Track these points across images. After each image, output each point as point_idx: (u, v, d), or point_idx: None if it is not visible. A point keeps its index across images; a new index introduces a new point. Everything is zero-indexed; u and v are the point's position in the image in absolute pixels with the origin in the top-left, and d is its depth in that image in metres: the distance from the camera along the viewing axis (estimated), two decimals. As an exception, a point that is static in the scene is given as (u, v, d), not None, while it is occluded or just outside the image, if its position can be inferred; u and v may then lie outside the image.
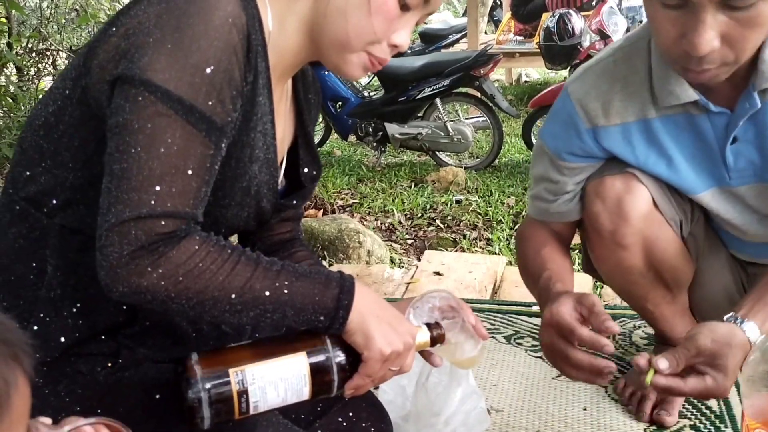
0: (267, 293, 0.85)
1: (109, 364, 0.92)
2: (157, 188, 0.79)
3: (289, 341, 0.92)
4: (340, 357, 0.91)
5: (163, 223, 0.80)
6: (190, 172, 0.81)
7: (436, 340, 1.01)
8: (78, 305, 0.91)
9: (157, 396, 0.91)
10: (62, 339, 0.91)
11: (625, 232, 1.31)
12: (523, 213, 3.62)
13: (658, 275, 1.37)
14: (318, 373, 0.90)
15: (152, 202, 0.79)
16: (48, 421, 0.70)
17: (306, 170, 1.10)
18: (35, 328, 0.91)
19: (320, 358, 0.90)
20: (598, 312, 1.07)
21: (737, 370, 1.04)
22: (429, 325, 1.01)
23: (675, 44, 1.06)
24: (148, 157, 0.79)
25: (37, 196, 0.92)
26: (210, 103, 0.82)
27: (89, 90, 0.86)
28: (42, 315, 0.91)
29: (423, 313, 1.05)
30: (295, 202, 1.09)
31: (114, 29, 0.84)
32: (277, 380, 0.87)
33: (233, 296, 0.84)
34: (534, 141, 4.78)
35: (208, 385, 0.84)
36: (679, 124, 1.26)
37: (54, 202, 0.91)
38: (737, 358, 1.03)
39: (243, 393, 0.85)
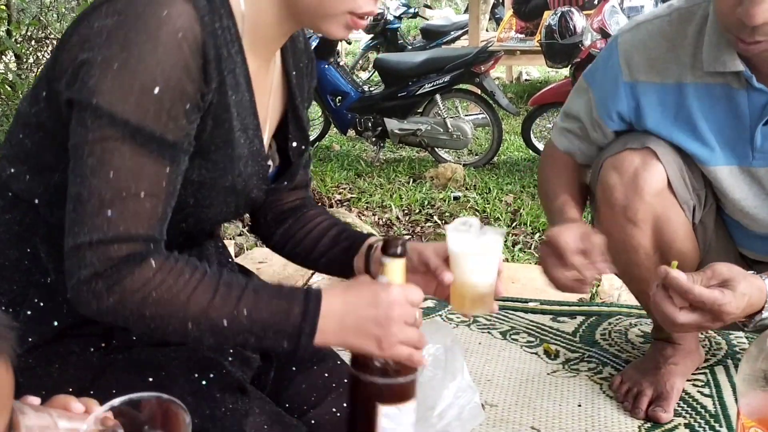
0: (225, 322, 0.83)
1: (103, 344, 0.91)
2: (109, 213, 0.80)
3: (358, 412, 0.91)
4: (398, 366, 0.90)
5: (116, 247, 0.80)
6: (142, 194, 0.81)
7: (403, 251, 0.91)
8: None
9: (150, 379, 0.90)
10: (55, 323, 0.91)
11: (638, 207, 1.32)
12: (521, 211, 3.62)
13: (663, 257, 1.36)
14: (396, 395, 0.90)
15: (105, 227, 0.80)
16: (36, 401, 0.69)
17: (294, 144, 1.08)
18: (28, 312, 0.91)
19: (384, 391, 0.90)
20: (597, 251, 1.15)
21: (745, 300, 1.08)
22: (385, 252, 0.91)
23: (731, 11, 1.09)
24: (99, 182, 0.79)
25: (22, 193, 0.92)
26: (160, 122, 0.80)
27: (59, 95, 0.86)
28: (36, 300, 0.91)
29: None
30: (285, 183, 1.08)
31: (77, 33, 0.83)
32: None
33: (190, 325, 0.83)
34: (534, 140, 4.78)
35: None
36: (714, 95, 1.28)
37: (38, 201, 0.91)
38: (750, 290, 1.08)
39: None
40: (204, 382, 0.92)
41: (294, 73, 1.06)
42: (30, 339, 0.90)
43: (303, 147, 1.09)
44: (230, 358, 0.96)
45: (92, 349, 0.91)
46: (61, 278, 0.89)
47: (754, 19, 1.05)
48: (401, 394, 0.90)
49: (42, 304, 0.91)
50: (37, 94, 0.90)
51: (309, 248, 1.12)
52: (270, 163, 1.05)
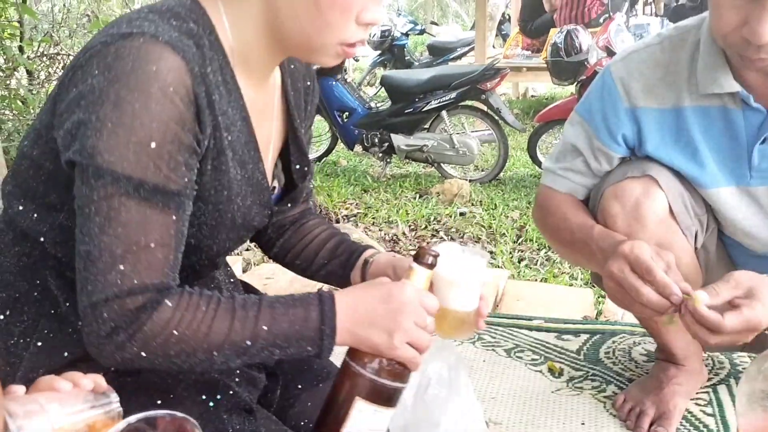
0: (248, 342, 0.86)
1: (112, 368, 0.93)
2: (121, 267, 0.81)
3: (337, 398, 0.92)
4: (394, 368, 0.91)
5: (131, 299, 0.82)
6: (153, 245, 0.83)
7: (434, 263, 0.95)
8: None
9: (158, 401, 0.92)
10: (66, 354, 0.92)
11: (641, 236, 1.31)
12: (527, 227, 3.63)
13: None
14: (379, 396, 0.91)
15: (118, 281, 0.81)
16: (21, 389, 0.69)
17: (297, 167, 1.10)
18: (39, 344, 0.92)
19: (370, 387, 0.91)
20: (675, 272, 1.10)
21: None
22: (417, 260, 0.95)
23: (735, 31, 1.11)
24: (108, 239, 0.81)
25: (29, 231, 0.94)
26: (161, 173, 0.82)
27: (58, 140, 0.87)
28: (46, 331, 0.93)
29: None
30: (289, 205, 1.10)
31: (72, 84, 0.84)
32: (366, 428, 0.91)
33: (215, 353, 0.85)
34: (540, 156, 4.80)
35: None
36: (711, 116, 1.29)
37: (44, 239, 0.93)
38: None
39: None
40: (211, 404, 0.94)
41: (292, 93, 1.07)
42: (41, 370, 0.90)
43: (305, 168, 1.11)
44: (236, 379, 0.97)
45: (102, 374, 0.92)
46: (71, 309, 0.91)
47: (761, 38, 1.07)
48: (384, 396, 0.91)
49: (52, 335, 0.92)
50: (37, 137, 0.91)
51: (308, 260, 1.15)
52: (275, 184, 1.07)
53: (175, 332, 0.83)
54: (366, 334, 0.89)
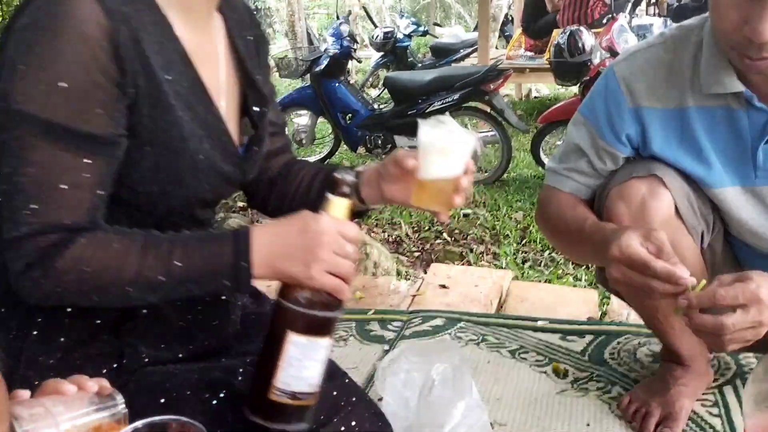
0: (162, 278, 0.87)
1: (115, 365, 0.93)
2: (34, 206, 0.83)
3: (272, 336, 0.90)
4: (313, 299, 0.90)
5: (43, 237, 0.84)
6: (65, 186, 0.84)
7: (350, 192, 0.94)
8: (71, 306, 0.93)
9: (161, 401, 0.91)
10: (62, 339, 0.93)
11: None
12: (530, 228, 3.62)
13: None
14: (313, 328, 0.90)
15: (31, 220, 0.84)
16: (26, 394, 0.69)
17: (256, 109, 1.09)
18: (35, 333, 0.93)
19: (300, 320, 0.89)
20: (668, 252, 1.09)
21: (766, 283, 1.05)
22: (332, 191, 0.94)
23: (736, 30, 1.10)
24: (21, 179, 0.83)
25: None
26: (72, 115, 0.83)
27: None
28: (40, 320, 0.94)
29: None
30: (256, 148, 1.09)
31: (8, 30, 0.86)
32: (300, 363, 0.89)
33: (129, 289, 0.87)
34: (543, 157, 4.79)
35: (271, 421, 0.89)
36: (715, 117, 1.29)
37: None
38: (765, 276, 1.05)
39: (293, 395, 0.89)
40: (214, 402, 0.93)
41: (240, 41, 1.08)
42: (40, 358, 0.91)
43: (265, 110, 1.10)
44: (240, 377, 0.97)
45: (104, 371, 0.92)
46: None
47: (762, 36, 1.06)
48: (314, 327, 0.90)
49: (46, 323, 0.93)
50: None
51: (302, 201, 1.14)
52: (235, 136, 1.05)
53: (86, 269, 0.85)
54: (283, 266, 0.89)
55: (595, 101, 1.39)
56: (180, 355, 1.00)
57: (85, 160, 0.85)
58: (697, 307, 1.06)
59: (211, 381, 0.95)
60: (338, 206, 0.94)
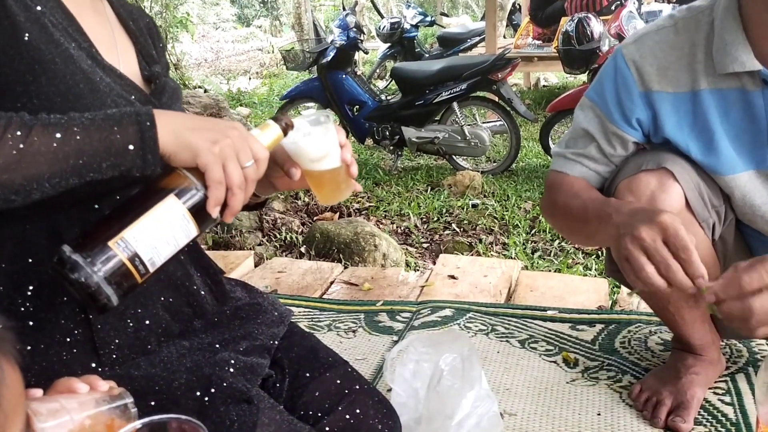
0: (59, 136, 0.80)
1: (92, 365, 0.92)
2: None
3: (151, 189, 0.87)
4: (203, 182, 0.87)
5: None
6: None
7: (286, 128, 0.95)
8: (30, 288, 0.91)
9: (152, 402, 0.90)
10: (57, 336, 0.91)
11: None
12: (540, 217, 3.61)
13: None
14: (194, 206, 0.87)
15: None
16: (38, 392, 0.70)
17: (154, 69, 1.09)
18: (31, 324, 0.91)
19: (188, 190, 0.86)
20: (697, 255, 1.06)
21: None
22: (273, 117, 0.96)
23: None
24: None
25: None
26: None
27: None
28: (32, 309, 0.91)
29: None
30: (164, 100, 1.07)
31: None
32: (160, 231, 0.84)
33: (16, 152, 0.78)
34: (552, 146, 4.77)
35: (96, 266, 0.80)
36: (729, 100, 1.26)
37: None
38: None
39: (134, 257, 0.82)
40: (206, 399, 0.92)
41: (129, 19, 1.09)
42: (42, 346, 0.90)
43: (157, 69, 1.09)
44: (231, 370, 0.96)
45: (79, 371, 0.88)
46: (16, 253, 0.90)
47: None
48: (198, 206, 0.87)
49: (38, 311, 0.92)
50: None
51: None
52: (132, 81, 1.03)
53: None
54: (188, 135, 0.86)
55: (604, 85, 1.36)
56: (159, 330, 0.98)
57: None
58: (725, 298, 1.04)
59: (201, 377, 0.94)
60: (268, 127, 0.94)
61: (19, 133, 0.79)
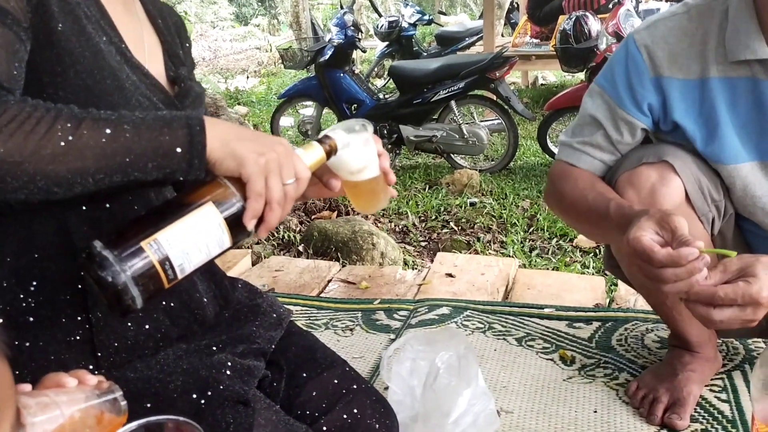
0: (108, 131, 0.80)
1: (90, 366, 0.91)
2: None
3: (189, 195, 0.86)
4: (243, 192, 0.87)
5: None
6: None
7: (330, 151, 0.95)
8: (34, 284, 0.91)
9: (148, 405, 0.90)
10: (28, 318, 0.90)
11: None
12: (537, 216, 3.61)
13: None
14: (231, 216, 0.86)
15: None
16: (27, 387, 0.70)
17: (180, 71, 1.09)
18: (30, 318, 0.90)
19: (227, 200, 0.86)
20: (681, 236, 1.05)
21: None
22: (318, 139, 0.96)
23: None
24: None
25: None
26: None
27: None
28: (24, 305, 0.90)
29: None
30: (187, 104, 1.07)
31: None
32: (194, 237, 0.83)
33: (65, 144, 0.77)
34: (550, 145, 4.77)
35: (126, 265, 0.78)
36: (738, 89, 1.26)
37: None
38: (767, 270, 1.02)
39: (165, 260, 0.80)
40: (202, 402, 0.92)
41: (159, 18, 1.09)
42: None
43: (183, 72, 1.09)
44: (228, 372, 0.95)
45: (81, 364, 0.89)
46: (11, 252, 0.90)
47: None
48: (235, 216, 0.86)
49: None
50: None
51: None
52: (161, 82, 1.04)
53: (9, 124, 0.76)
54: (236, 145, 0.86)
55: (615, 69, 1.35)
56: (158, 335, 0.98)
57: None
58: (697, 301, 1.04)
59: (197, 380, 0.93)
60: (312, 148, 0.94)
61: (69, 125, 0.78)
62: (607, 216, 1.25)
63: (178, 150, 0.83)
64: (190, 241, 0.82)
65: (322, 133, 0.98)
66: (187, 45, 1.17)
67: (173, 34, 1.13)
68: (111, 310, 0.81)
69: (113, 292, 0.78)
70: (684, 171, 1.30)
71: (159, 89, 1.00)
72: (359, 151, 1.00)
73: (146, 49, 1.03)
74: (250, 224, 0.87)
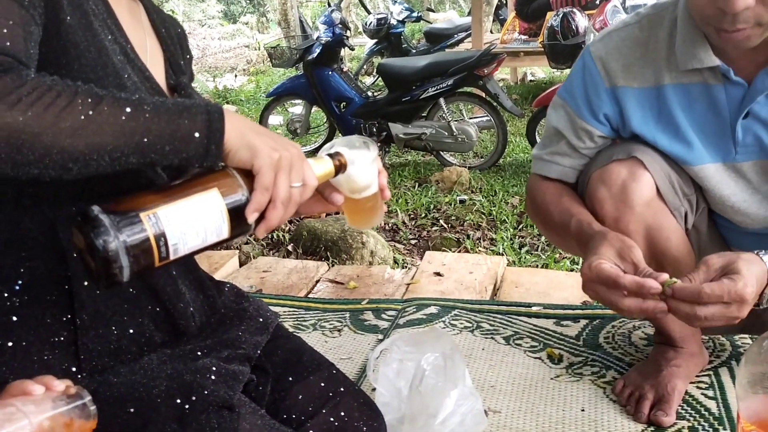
0: (129, 110, 0.79)
1: (73, 369, 0.91)
2: None
3: (195, 180, 0.86)
4: (250, 186, 0.87)
5: None
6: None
7: (340, 167, 0.97)
8: (19, 282, 0.90)
9: (131, 410, 0.89)
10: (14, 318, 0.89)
11: (629, 219, 1.31)
12: (527, 213, 3.61)
13: (659, 265, 1.36)
14: (233, 207, 0.86)
15: None
16: None
17: (181, 80, 1.10)
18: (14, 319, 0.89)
19: (233, 190, 0.86)
20: (643, 269, 1.10)
21: (753, 278, 1.04)
22: (329, 154, 0.98)
23: (709, 3, 1.10)
24: None
25: None
26: None
27: None
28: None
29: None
30: None
31: None
32: (194, 220, 0.82)
33: (85, 118, 0.77)
34: (539, 141, 4.77)
35: (121, 232, 0.76)
36: (692, 94, 1.28)
37: None
38: (752, 269, 1.05)
39: (160, 236, 0.79)
40: (186, 407, 0.91)
41: (162, 27, 1.10)
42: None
43: (184, 79, 1.10)
44: (213, 377, 0.95)
45: (58, 374, 0.85)
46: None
47: (735, 6, 1.06)
48: (237, 206, 0.86)
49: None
50: None
51: None
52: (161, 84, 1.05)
53: (31, 95, 0.75)
54: (253, 138, 0.87)
55: (573, 82, 1.39)
56: (141, 340, 0.97)
57: (13, 3, 0.81)
58: (681, 300, 1.05)
59: (182, 385, 0.93)
60: (322, 161, 0.96)
61: (89, 100, 0.78)
62: (569, 231, 1.30)
63: (196, 135, 0.83)
64: (189, 222, 0.82)
65: (330, 149, 0.99)
66: (188, 57, 1.18)
67: (176, 44, 1.13)
68: (94, 279, 0.79)
69: (102, 258, 0.76)
70: (653, 166, 1.31)
71: (159, 93, 1.01)
72: (365, 169, 1.01)
73: (148, 56, 1.04)
74: (251, 217, 0.87)
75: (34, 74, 0.79)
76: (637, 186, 1.30)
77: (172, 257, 0.82)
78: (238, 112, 7.38)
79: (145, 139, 0.80)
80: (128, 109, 0.80)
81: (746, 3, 1.06)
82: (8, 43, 0.79)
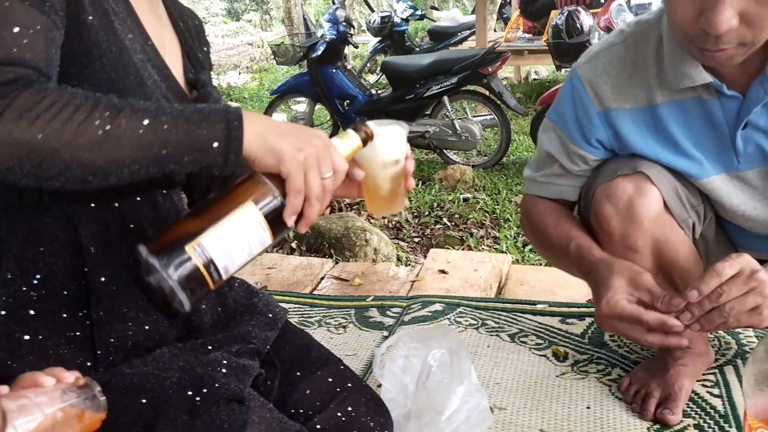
0: (146, 122, 0.79)
1: (88, 363, 0.91)
2: None
3: (228, 195, 0.87)
4: (282, 189, 0.87)
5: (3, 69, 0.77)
6: (16, 29, 0.79)
7: (366, 138, 0.96)
8: (37, 277, 0.90)
9: (143, 401, 0.90)
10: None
11: (637, 235, 1.29)
12: (531, 211, 3.61)
13: (668, 277, 1.36)
14: (271, 213, 0.86)
15: None
16: (4, 389, 0.70)
17: (200, 76, 1.10)
18: (2, 313, 0.90)
19: (267, 198, 0.86)
20: (660, 295, 1.09)
21: (748, 257, 1.06)
22: (353, 127, 0.97)
23: (692, 23, 1.07)
24: None
25: None
26: None
27: None
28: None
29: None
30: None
31: None
32: (236, 238, 0.83)
33: (101, 132, 0.77)
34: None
35: (173, 271, 0.79)
36: (688, 110, 1.27)
37: None
38: (745, 255, 1.06)
39: (209, 263, 0.81)
40: (198, 399, 0.91)
41: (180, 21, 1.10)
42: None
43: (201, 77, 1.10)
44: (224, 370, 0.95)
45: (74, 369, 0.86)
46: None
47: (718, 28, 1.03)
48: (274, 212, 0.86)
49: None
50: None
51: None
52: (181, 84, 1.05)
53: (50, 109, 0.76)
54: (275, 140, 0.85)
55: (563, 106, 1.36)
56: (156, 336, 0.97)
57: (35, 10, 0.81)
58: (705, 312, 1.07)
59: (193, 377, 0.93)
60: (348, 137, 0.94)
61: (107, 113, 0.78)
62: (568, 255, 1.30)
63: (215, 145, 0.83)
64: (232, 242, 0.83)
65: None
66: (206, 48, 1.17)
67: (193, 37, 1.13)
68: (161, 314, 0.83)
69: (161, 298, 0.79)
70: (660, 180, 1.30)
71: (178, 91, 1.01)
72: (393, 142, 0.99)
73: (166, 51, 1.04)
74: (290, 221, 0.87)
75: (54, 84, 0.80)
76: (645, 202, 1.28)
77: (225, 277, 0.84)
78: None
79: (164, 151, 0.80)
80: (146, 122, 0.80)
81: (729, 24, 1.03)
82: (28, 55, 0.80)
